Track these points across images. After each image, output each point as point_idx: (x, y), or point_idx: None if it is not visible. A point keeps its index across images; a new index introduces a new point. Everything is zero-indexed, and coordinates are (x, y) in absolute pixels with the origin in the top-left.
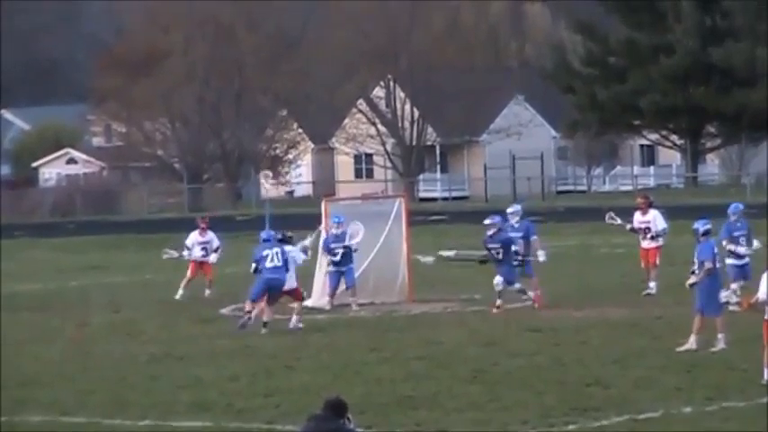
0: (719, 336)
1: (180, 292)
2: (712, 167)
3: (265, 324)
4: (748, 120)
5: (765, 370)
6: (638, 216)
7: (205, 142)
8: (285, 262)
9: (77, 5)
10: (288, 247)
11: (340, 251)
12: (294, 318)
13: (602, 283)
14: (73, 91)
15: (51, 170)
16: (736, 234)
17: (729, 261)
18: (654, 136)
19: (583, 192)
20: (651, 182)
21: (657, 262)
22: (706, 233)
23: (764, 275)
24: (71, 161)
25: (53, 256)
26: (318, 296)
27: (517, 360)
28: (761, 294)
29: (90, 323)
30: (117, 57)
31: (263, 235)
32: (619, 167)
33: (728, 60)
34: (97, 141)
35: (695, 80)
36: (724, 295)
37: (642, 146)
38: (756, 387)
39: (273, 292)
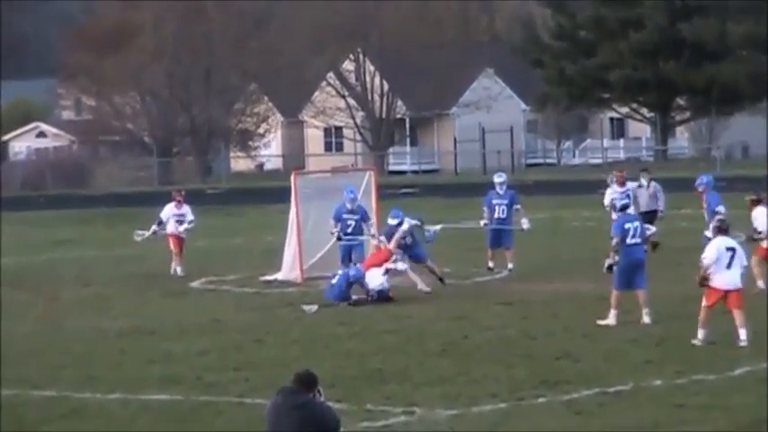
0: (645, 310)
1: (177, 269)
2: (682, 141)
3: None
4: (718, 93)
5: (701, 331)
6: (615, 188)
7: (175, 116)
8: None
9: None
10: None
11: (352, 223)
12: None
13: (572, 257)
14: (43, 66)
15: (21, 144)
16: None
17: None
18: (624, 109)
19: (553, 165)
20: (621, 155)
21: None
22: (622, 208)
23: (710, 244)
24: (41, 135)
25: (23, 230)
26: (288, 270)
27: (487, 334)
28: (706, 260)
29: (60, 298)
30: (87, 32)
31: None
32: (588, 140)
33: (698, 34)
34: (67, 115)
35: (665, 54)
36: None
37: (612, 119)
38: (725, 361)
39: None
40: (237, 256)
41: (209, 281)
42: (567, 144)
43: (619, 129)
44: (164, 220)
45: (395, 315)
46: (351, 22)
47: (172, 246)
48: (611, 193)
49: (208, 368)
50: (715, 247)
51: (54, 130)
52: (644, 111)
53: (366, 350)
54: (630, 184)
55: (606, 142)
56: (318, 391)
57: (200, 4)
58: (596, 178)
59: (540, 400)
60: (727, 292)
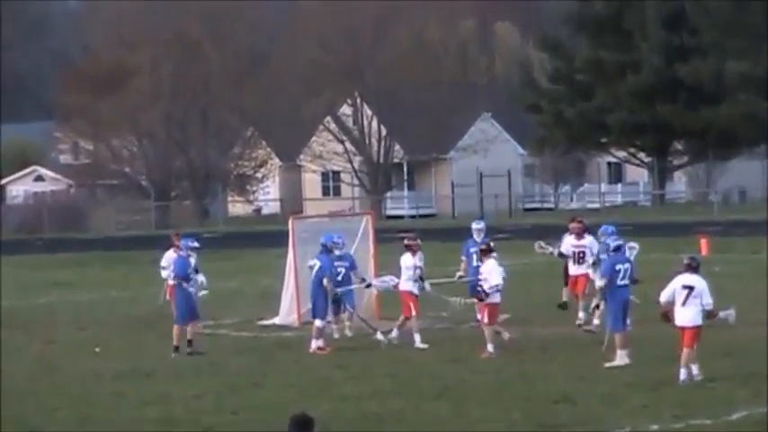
0: (619, 352)
1: None
2: (679, 185)
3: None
4: (715, 136)
5: (682, 370)
6: (571, 240)
7: (172, 159)
8: None
9: (44, 21)
10: None
11: (342, 271)
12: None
13: (568, 300)
14: (40, 107)
15: (18, 187)
16: (601, 256)
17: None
18: (621, 153)
19: (550, 209)
20: (618, 199)
21: (586, 291)
22: (615, 249)
23: (671, 284)
24: (38, 178)
25: (20, 273)
26: (286, 313)
27: (483, 377)
28: (661, 297)
29: (56, 340)
30: (83, 73)
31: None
32: (586, 185)
33: (696, 76)
34: (64, 159)
35: (662, 97)
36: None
37: (609, 163)
38: (723, 405)
39: None
40: (235, 300)
41: (206, 324)
42: (565, 188)
43: (616, 173)
44: (165, 266)
45: (391, 359)
46: (348, 62)
47: (169, 296)
48: (566, 243)
49: (205, 411)
50: (671, 285)
51: (52, 174)
52: (641, 155)
53: (363, 393)
54: (590, 237)
55: (604, 187)
56: None
57: (197, 45)
58: (593, 223)
59: None
60: (681, 329)
